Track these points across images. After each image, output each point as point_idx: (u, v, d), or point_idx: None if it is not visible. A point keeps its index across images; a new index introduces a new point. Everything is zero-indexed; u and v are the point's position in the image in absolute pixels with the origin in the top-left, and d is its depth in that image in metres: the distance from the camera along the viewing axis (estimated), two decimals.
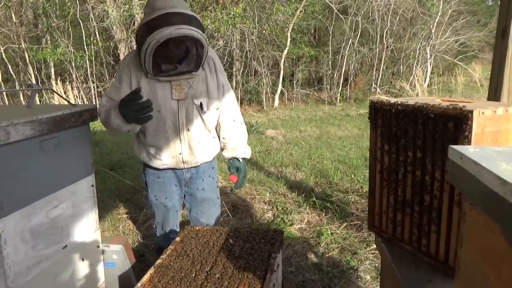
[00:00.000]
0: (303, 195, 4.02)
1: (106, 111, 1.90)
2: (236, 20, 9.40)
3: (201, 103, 1.97)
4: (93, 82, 10.32)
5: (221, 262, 1.54)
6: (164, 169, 2.08)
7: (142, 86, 1.87)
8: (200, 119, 2.01)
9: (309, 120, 8.91)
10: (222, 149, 2.21)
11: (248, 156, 2.21)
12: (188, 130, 1.99)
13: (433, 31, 11.75)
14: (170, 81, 1.91)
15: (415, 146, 1.25)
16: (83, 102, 10.04)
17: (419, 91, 11.16)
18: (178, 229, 2.26)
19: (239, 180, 2.14)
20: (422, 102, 1.22)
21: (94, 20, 9.94)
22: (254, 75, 11.39)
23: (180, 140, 2.00)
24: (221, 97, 2.07)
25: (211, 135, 2.12)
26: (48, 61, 10.44)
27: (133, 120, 1.79)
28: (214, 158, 2.21)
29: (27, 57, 10.31)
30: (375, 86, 11.66)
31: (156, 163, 2.06)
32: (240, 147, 2.18)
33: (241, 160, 2.18)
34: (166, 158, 2.03)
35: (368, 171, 1.55)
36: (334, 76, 11.86)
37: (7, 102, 9.53)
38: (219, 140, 2.19)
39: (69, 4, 9.66)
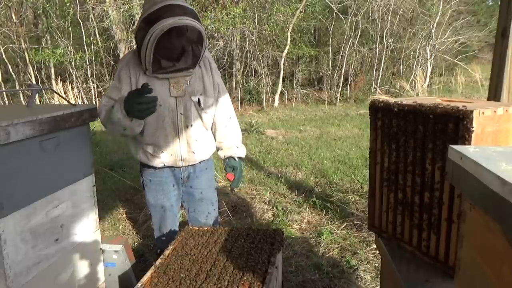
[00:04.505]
0: (303, 195, 4.02)
1: (107, 109, 1.88)
2: (236, 20, 9.39)
3: (198, 100, 1.99)
4: (93, 82, 10.33)
5: (221, 262, 1.54)
6: (162, 167, 2.09)
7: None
8: (198, 116, 2.02)
9: (309, 120, 8.91)
10: (217, 149, 2.22)
11: (243, 154, 2.22)
12: (187, 127, 2.00)
13: (433, 31, 11.76)
14: (168, 78, 1.92)
15: (415, 146, 1.25)
16: (83, 102, 10.04)
17: (419, 91, 11.17)
18: (177, 229, 2.26)
19: (235, 179, 2.15)
20: (422, 102, 1.22)
21: (94, 20, 9.94)
22: (254, 75, 11.39)
23: (179, 137, 2.00)
24: (216, 95, 2.09)
25: (208, 132, 2.13)
26: (48, 61, 10.44)
27: (134, 113, 1.72)
28: (210, 157, 2.21)
29: (27, 57, 10.31)
30: (375, 86, 11.66)
31: (154, 162, 2.05)
32: (235, 146, 2.18)
33: (236, 159, 2.18)
34: (164, 156, 2.03)
35: (368, 171, 1.55)
36: (334, 76, 11.86)
37: (7, 102, 9.52)
38: (215, 139, 2.20)
39: (68, 4, 9.66)
